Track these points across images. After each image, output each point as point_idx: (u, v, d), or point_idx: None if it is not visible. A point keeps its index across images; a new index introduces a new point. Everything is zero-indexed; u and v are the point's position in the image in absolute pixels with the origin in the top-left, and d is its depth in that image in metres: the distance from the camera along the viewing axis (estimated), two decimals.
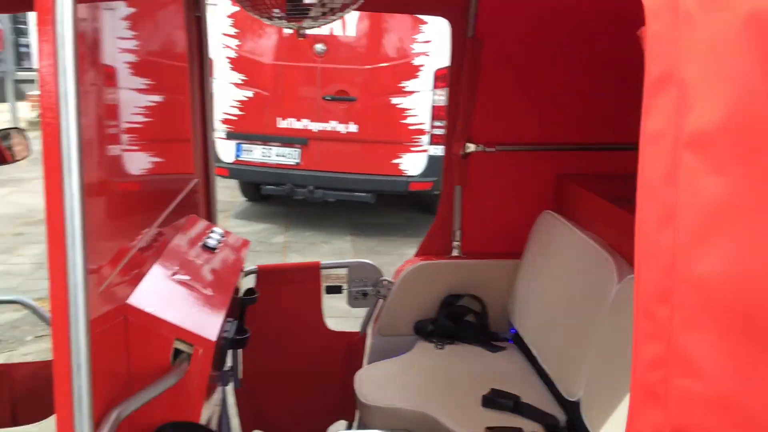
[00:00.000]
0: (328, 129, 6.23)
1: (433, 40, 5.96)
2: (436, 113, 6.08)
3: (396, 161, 6.22)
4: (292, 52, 6.20)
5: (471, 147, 2.22)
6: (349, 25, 6.09)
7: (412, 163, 6.21)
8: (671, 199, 0.92)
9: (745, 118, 0.88)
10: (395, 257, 5.33)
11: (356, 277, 2.28)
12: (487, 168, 2.24)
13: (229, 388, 2.31)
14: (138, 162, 1.54)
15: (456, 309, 2.26)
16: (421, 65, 6.08)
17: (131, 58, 1.48)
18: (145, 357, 1.21)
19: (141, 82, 1.59)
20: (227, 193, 7.70)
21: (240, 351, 2.24)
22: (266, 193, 6.69)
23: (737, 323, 0.90)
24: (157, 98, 1.74)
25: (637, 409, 0.95)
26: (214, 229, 1.81)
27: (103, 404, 1.06)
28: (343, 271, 2.30)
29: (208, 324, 1.30)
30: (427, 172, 6.21)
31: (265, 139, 6.35)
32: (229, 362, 2.27)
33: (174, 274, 1.41)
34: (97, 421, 1.02)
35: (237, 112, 6.39)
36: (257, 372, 2.27)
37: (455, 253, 2.31)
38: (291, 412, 2.26)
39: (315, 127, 6.24)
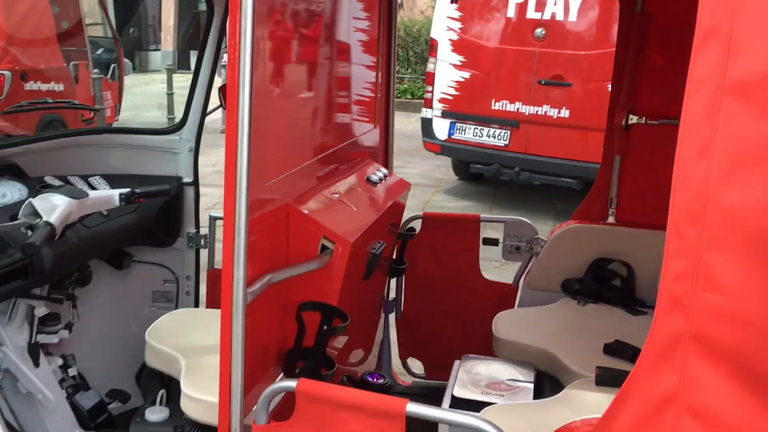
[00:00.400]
0: (540, 113, 6.35)
1: None
2: None
3: None
4: (513, 37, 6.39)
5: (633, 119, 2.32)
6: (572, 10, 6.15)
7: None
8: (709, 136, 1.06)
9: None
10: None
11: (512, 232, 2.49)
12: (648, 140, 2.32)
13: (392, 318, 2.64)
14: (321, 105, 1.90)
15: (604, 272, 2.38)
16: None
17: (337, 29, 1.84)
18: (299, 245, 1.56)
19: (338, 50, 1.97)
20: (442, 171, 8.11)
21: (402, 285, 2.57)
22: (474, 171, 6.98)
23: (759, 247, 1.03)
24: (349, 66, 2.11)
25: (663, 316, 1.11)
26: (381, 169, 2.13)
27: (260, 268, 1.42)
28: (501, 226, 2.52)
29: (349, 231, 1.62)
30: None
31: (478, 120, 6.62)
32: (392, 294, 2.61)
33: (333, 192, 1.75)
34: (251, 280, 1.38)
35: (453, 92, 6.74)
36: (417, 306, 2.59)
37: (610, 220, 2.43)
38: (442, 345, 2.54)
39: (527, 110, 6.40)
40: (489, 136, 6.62)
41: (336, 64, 2.02)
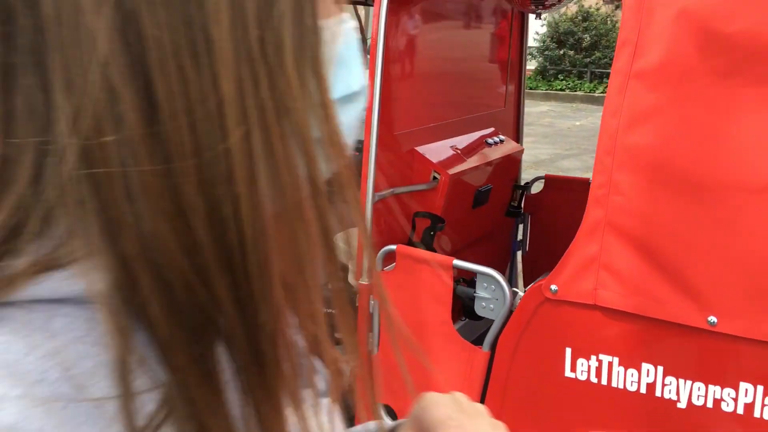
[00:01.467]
0: None
1: None
2: None
3: None
4: None
5: None
6: None
7: None
8: (620, 103, 1.82)
9: (668, 63, 1.75)
10: None
11: None
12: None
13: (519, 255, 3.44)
14: (450, 86, 2.81)
15: None
16: None
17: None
18: (418, 175, 2.49)
19: (473, 47, 2.87)
20: None
21: (528, 230, 3.36)
22: None
23: (644, 170, 1.78)
24: (482, 59, 2.98)
25: (590, 209, 1.87)
26: (500, 136, 2.97)
27: (387, 183, 2.37)
28: None
29: (452, 168, 2.51)
30: None
31: None
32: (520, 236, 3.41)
33: (452, 145, 2.65)
34: (380, 189, 2.32)
35: None
36: (540, 249, 3.36)
37: None
38: None
39: None
40: None
41: (470, 57, 2.91)
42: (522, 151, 3.08)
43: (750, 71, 1.69)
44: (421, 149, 2.51)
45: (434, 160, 2.50)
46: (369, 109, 2.22)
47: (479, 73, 3.02)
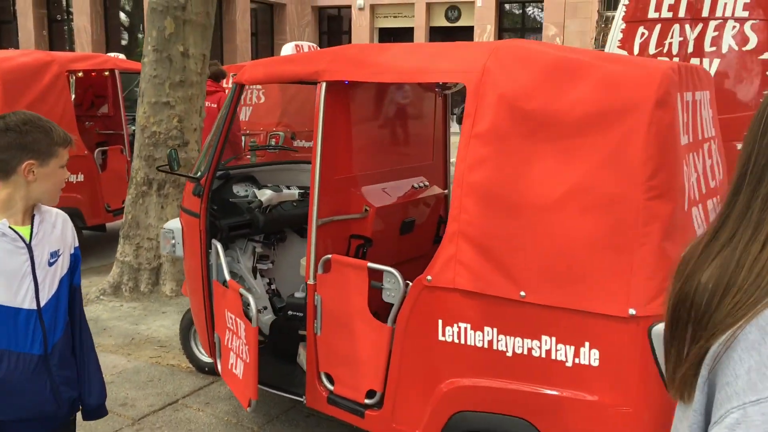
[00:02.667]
0: None
1: None
2: None
3: None
4: None
5: None
6: None
7: None
8: (465, 155, 2.79)
9: (492, 128, 2.73)
10: None
11: None
12: None
13: None
14: (384, 145, 3.80)
15: None
16: None
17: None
18: (354, 208, 3.46)
19: (404, 117, 3.87)
20: None
21: None
22: None
23: (480, 198, 2.73)
24: (412, 126, 3.98)
25: (449, 224, 2.82)
26: (426, 182, 3.93)
27: (330, 212, 3.34)
28: None
29: (380, 203, 3.47)
30: None
31: None
32: None
33: (383, 187, 3.62)
34: (322, 216, 3.29)
35: None
36: None
37: None
38: None
39: None
40: None
41: (402, 124, 3.91)
42: (444, 193, 4.05)
43: (541, 133, 2.66)
44: (356, 189, 3.50)
45: (366, 197, 3.48)
46: (313, 159, 3.22)
47: (410, 136, 4.01)
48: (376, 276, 3.10)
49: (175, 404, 4.05)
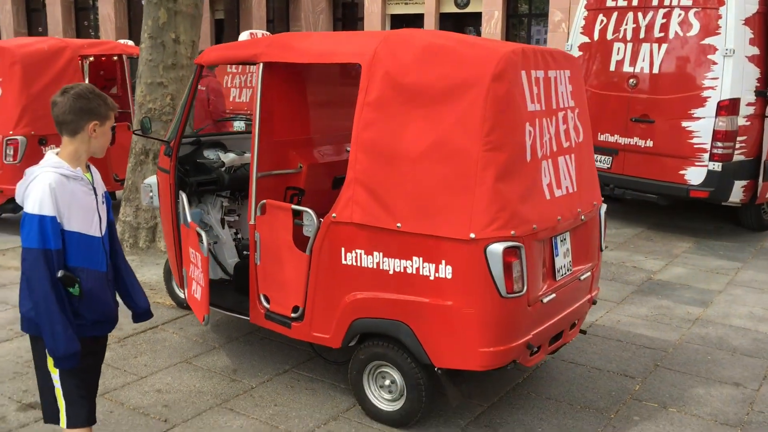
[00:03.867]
0: (632, 143, 8.20)
1: (720, 77, 7.47)
2: (717, 136, 7.54)
3: (681, 172, 7.84)
4: (613, 85, 8.35)
5: None
6: (655, 65, 7.98)
7: (694, 175, 7.74)
8: (359, 118, 3.61)
9: (379, 98, 3.54)
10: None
11: None
12: None
13: None
14: (325, 115, 4.62)
15: None
16: (708, 97, 7.60)
17: None
18: (289, 164, 4.29)
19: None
20: None
21: None
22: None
23: (369, 151, 3.55)
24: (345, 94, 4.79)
25: (348, 172, 3.63)
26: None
27: (266, 168, 4.18)
28: None
29: (312, 161, 4.30)
30: (706, 183, 7.68)
31: None
32: None
33: (319, 150, 4.45)
34: (259, 171, 4.13)
35: None
36: None
37: None
38: None
39: (623, 141, 8.28)
40: (597, 161, 8.60)
41: (335, 99, 4.73)
42: None
43: (413, 101, 3.45)
44: (293, 150, 4.33)
45: (300, 156, 4.31)
46: (253, 125, 4.05)
47: (343, 109, 4.80)
48: (299, 216, 3.93)
49: (155, 329, 4.94)
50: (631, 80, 8.17)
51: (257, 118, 4.05)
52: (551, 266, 3.73)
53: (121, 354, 4.55)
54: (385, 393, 3.78)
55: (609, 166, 8.46)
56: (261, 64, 4.03)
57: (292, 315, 3.97)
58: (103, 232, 2.76)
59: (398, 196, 3.49)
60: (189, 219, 4.32)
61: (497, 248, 3.27)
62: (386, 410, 3.75)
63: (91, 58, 7.95)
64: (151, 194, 4.90)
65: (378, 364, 3.75)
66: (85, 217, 2.66)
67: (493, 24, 21.93)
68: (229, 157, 4.86)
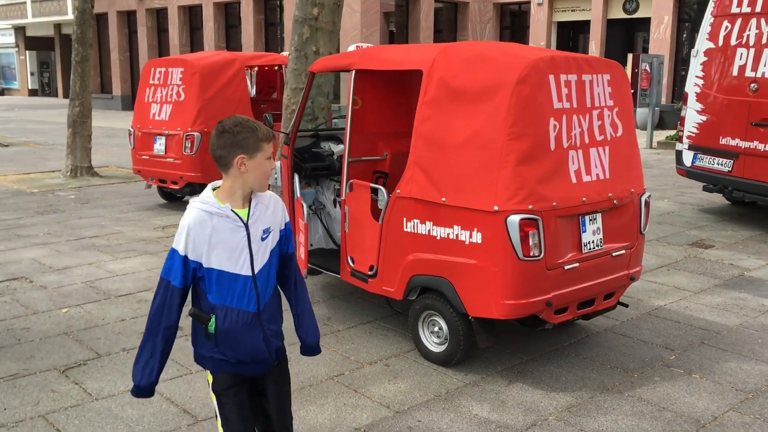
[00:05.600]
0: (752, 147, 8.30)
1: None
2: None
3: None
4: (735, 90, 8.49)
5: None
6: None
7: None
8: (419, 115, 4.52)
9: (434, 97, 4.44)
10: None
11: None
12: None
13: None
14: (401, 115, 5.55)
15: None
16: None
17: None
18: (377, 152, 5.26)
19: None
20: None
21: None
22: (705, 190, 9.09)
23: (425, 140, 4.46)
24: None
25: (410, 157, 4.55)
26: None
27: (357, 154, 5.17)
28: None
29: (395, 151, 5.23)
30: None
31: (711, 152, 8.80)
32: None
33: (401, 142, 5.38)
34: (349, 157, 5.13)
35: (695, 131, 9.02)
36: None
37: None
38: None
39: (743, 144, 8.40)
40: (718, 164, 8.76)
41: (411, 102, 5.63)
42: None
43: (458, 100, 4.30)
44: (380, 141, 5.30)
45: (386, 146, 5.26)
46: (347, 120, 5.07)
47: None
48: (376, 193, 4.89)
49: None
50: (753, 85, 8.28)
51: (349, 115, 5.07)
52: (578, 240, 4.39)
53: None
54: (434, 337, 4.64)
55: (729, 169, 8.60)
56: (353, 71, 5.05)
57: (369, 272, 4.93)
58: (258, 270, 2.59)
59: (444, 176, 4.34)
60: (298, 195, 5.43)
61: (515, 219, 4.03)
62: (434, 351, 4.61)
63: (255, 68, 9.43)
64: (276, 175, 6.09)
65: (429, 313, 4.62)
66: (230, 255, 2.53)
67: (662, 29, 21.57)
68: (338, 148, 5.93)
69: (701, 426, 3.85)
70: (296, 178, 5.55)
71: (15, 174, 12.94)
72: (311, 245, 6.00)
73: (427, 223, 4.46)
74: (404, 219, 4.60)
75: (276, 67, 9.77)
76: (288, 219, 2.71)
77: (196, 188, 9.16)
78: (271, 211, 2.64)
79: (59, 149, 15.70)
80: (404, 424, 3.83)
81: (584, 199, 4.35)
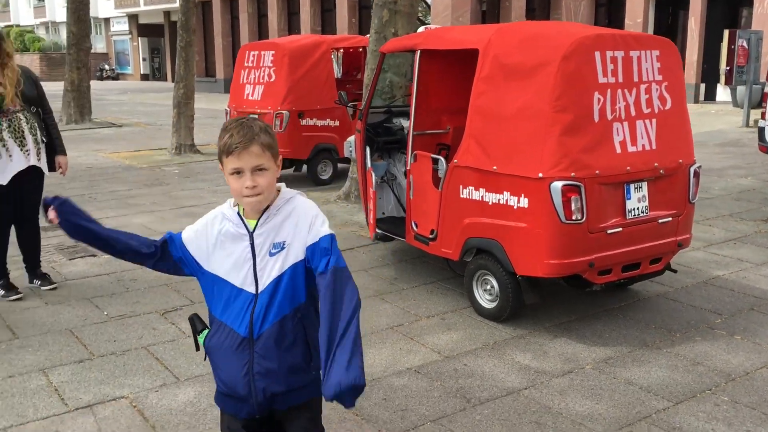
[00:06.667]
0: None
1: None
2: None
3: None
4: None
5: None
6: None
7: None
8: (474, 90, 4.92)
9: (489, 74, 4.84)
10: None
11: None
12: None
13: None
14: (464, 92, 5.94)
15: None
16: None
17: None
18: (442, 125, 5.70)
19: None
20: None
21: None
22: None
23: (481, 113, 4.87)
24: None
25: (466, 129, 4.96)
26: None
27: (422, 128, 5.62)
28: None
29: (457, 126, 5.65)
30: None
31: None
32: None
33: (461, 116, 5.80)
34: (414, 131, 5.59)
35: None
36: None
37: None
38: None
39: None
40: None
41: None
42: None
43: (511, 76, 4.67)
44: (442, 115, 5.72)
45: (448, 120, 5.68)
46: (411, 97, 5.52)
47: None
48: (436, 163, 5.33)
49: (352, 250, 6.67)
50: None
51: (414, 91, 5.52)
52: (622, 207, 4.69)
53: None
54: (486, 295, 5.05)
55: None
56: (418, 51, 5.49)
57: (430, 236, 5.39)
58: (261, 289, 2.22)
59: (496, 146, 4.73)
60: (369, 166, 5.94)
61: (558, 185, 4.39)
62: (487, 307, 5.03)
63: (342, 50, 9.99)
64: (350, 149, 6.62)
65: (482, 273, 5.04)
66: (234, 265, 2.25)
67: (766, 4, 20.70)
68: (406, 122, 6.38)
69: (731, 379, 4.11)
70: (367, 150, 6.05)
71: (127, 151, 14.11)
72: (383, 213, 6.51)
73: (481, 189, 4.87)
74: (461, 186, 5.02)
75: (360, 49, 10.29)
76: (325, 234, 2.20)
77: (286, 163, 9.84)
78: (292, 224, 2.23)
79: (166, 129, 16.87)
80: (451, 367, 4.29)
81: (628, 168, 4.64)
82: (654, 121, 4.82)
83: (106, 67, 47.44)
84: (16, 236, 5.62)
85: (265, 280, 2.22)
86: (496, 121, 4.74)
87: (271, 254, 2.22)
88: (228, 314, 2.25)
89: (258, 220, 2.24)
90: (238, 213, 2.27)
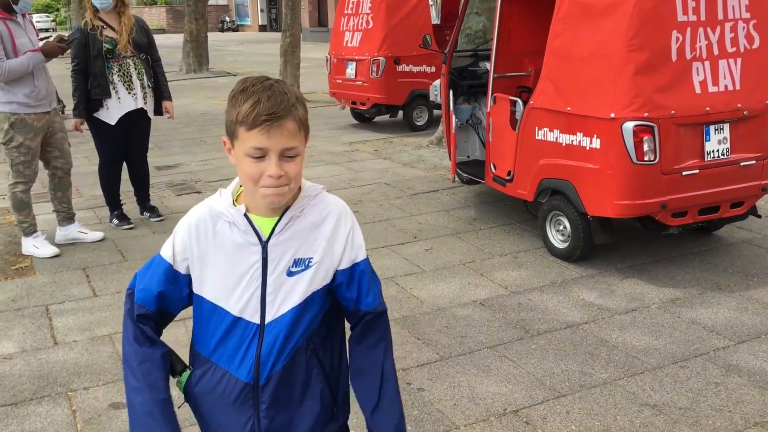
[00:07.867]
0: None
1: None
2: None
3: None
4: None
5: None
6: None
7: None
8: (552, 31, 4.94)
9: (566, 15, 4.85)
10: None
11: None
12: None
13: None
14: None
15: None
16: None
17: None
18: (523, 68, 5.73)
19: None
20: None
21: None
22: None
23: (556, 55, 4.91)
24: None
25: (542, 71, 4.99)
26: None
27: (503, 71, 5.67)
28: None
29: (537, 68, 5.67)
30: None
31: None
32: None
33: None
34: (495, 73, 5.65)
35: None
36: None
37: None
38: None
39: None
40: None
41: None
42: None
43: (586, 16, 4.65)
44: (524, 58, 5.74)
45: (530, 62, 5.69)
46: (493, 40, 5.58)
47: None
48: (514, 105, 5.39)
49: (436, 192, 6.86)
50: None
51: (496, 34, 5.57)
52: (700, 148, 4.62)
53: (407, 202, 6.58)
54: (559, 235, 5.13)
55: None
56: None
57: (506, 177, 5.50)
58: (271, 319, 1.63)
59: (570, 87, 4.75)
60: (451, 109, 6.07)
61: (629, 125, 4.38)
62: (559, 247, 5.11)
63: None
64: (435, 92, 6.75)
65: (555, 213, 5.11)
66: (232, 283, 1.63)
67: None
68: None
69: None
70: (450, 93, 6.18)
71: None
72: (467, 156, 6.65)
73: (555, 130, 4.92)
74: (536, 128, 5.08)
75: None
76: (364, 257, 1.70)
77: (382, 109, 10.08)
78: (325, 235, 1.65)
79: (274, 78, 17.45)
80: (515, 301, 4.44)
81: (708, 109, 4.55)
82: (739, 60, 4.67)
83: (227, 18, 49.03)
84: (128, 173, 6.18)
85: (278, 309, 1.63)
86: (570, 62, 4.75)
87: (291, 273, 1.63)
88: (221, 351, 1.66)
89: (275, 225, 1.62)
90: (245, 213, 1.63)
